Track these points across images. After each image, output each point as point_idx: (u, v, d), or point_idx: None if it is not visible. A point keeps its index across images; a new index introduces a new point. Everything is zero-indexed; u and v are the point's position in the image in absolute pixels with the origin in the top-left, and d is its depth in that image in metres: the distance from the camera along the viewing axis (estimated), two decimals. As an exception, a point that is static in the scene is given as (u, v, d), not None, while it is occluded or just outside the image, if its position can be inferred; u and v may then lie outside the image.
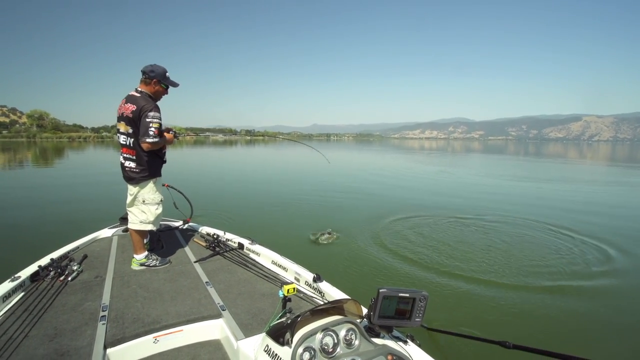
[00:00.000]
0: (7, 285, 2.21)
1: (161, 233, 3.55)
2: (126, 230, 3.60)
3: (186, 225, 3.88)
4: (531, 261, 4.74)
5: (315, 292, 2.41)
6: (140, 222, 2.65)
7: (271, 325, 1.60)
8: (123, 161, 2.61)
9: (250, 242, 3.21)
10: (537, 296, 3.72)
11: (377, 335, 1.69)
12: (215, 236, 3.41)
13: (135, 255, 2.72)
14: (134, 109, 2.46)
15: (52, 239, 5.12)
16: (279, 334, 1.47)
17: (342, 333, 1.50)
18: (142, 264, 2.72)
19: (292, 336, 1.42)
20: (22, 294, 2.28)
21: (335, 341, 1.47)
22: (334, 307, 1.65)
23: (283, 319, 1.58)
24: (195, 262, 2.92)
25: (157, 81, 2.55)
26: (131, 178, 2.60)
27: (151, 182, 2.64)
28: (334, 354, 1.45)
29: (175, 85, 2.65)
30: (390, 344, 1.63)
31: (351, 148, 54.44)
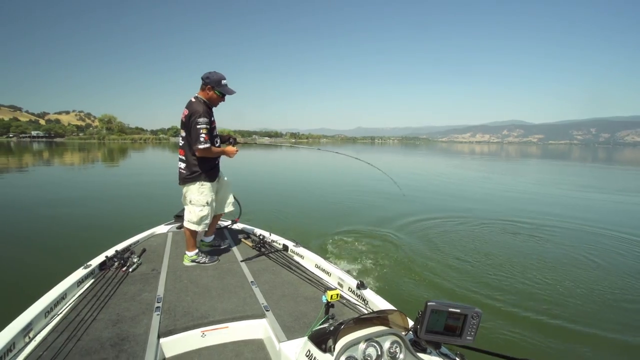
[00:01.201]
0: (81, 272, 2.48)
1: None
2: (180, 227, 3.80)
3: (234, 225, 4.00)
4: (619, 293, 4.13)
5: (359, 300, 2.35)
6: (187, 221, 2.80)
7: (313, 330, 1.60)
8: (178, 161, 2.77)
9: (294, 244, 3.23)
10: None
11: (424, 351, 1.61)
12: (261, 237, 3.48)
13: (187, 252, 2.89)
14: (186, 114, 2.58)
15: (117, 231, 5.67)
16: (321, 340, 1.46)
17: (386, 345, 1.46)
18: (192, 260, 2.87)
19: (334, 344, 1.40)
20: (92, 280, 2.53)
21: (379, 353, 1.43)
22: (379, 317, 1.60)
23: (325, 325, 1.57)
24: (241, 261, 3.00)
25: (211, 87, 2.60)
26: (180, 178, 2.75)
27: (197, 184, 2.73)
28: None
29: (230, 92, 2.66)
30: (438, 361, 1.55)
31: (397, 152, 53.20)
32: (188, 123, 2.58)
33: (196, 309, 2.18)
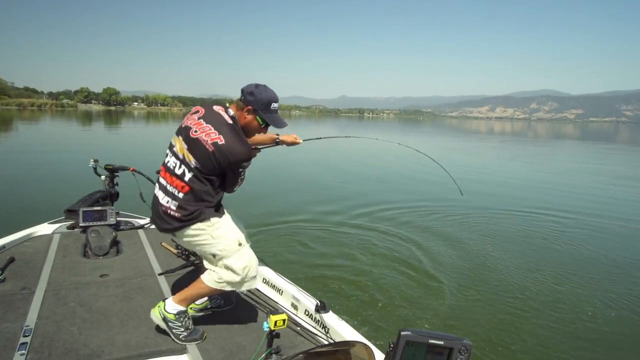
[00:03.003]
0: None
1: (120, 233, 3.60)
2: (72, 227, 3.69)
3: (153, 225, 3.92)
4: None
5: (317, 327, 2.37)
6: (219, 281, 2.24)
7: None
8: (159, 194, 2.26)
9: None
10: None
11: (397, 396, 1.60)
12: (190, 241, 3.42)
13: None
14: (219, 141, 2.09)
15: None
16: None
17: None
18: (202, 309, 2.54)
19: None
20: None
21: None
22: (337, 351, 1.59)
23: None
24: (160, 274, 2.95)
25: (253, 110, 2.20)
26: (172, 220, 2.21)
27: (207, 222, 2.25)
28: None
29: (281, 125, 2.29)
30: (414, 410, 1.54)
31: (385, 129, 53.94)
32: (220, 160, 2.11)
33: (84, 344, 2.09)
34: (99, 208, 3.62)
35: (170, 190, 2.18)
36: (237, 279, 2.15)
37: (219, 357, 2.08)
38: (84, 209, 3.55)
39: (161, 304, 2.25)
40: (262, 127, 2.26)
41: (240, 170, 2.20)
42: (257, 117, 2.21)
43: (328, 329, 2.29)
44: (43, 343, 2.08)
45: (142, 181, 3.96)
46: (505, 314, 4.13)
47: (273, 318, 1.85)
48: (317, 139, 3.28)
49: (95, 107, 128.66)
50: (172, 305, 2.22)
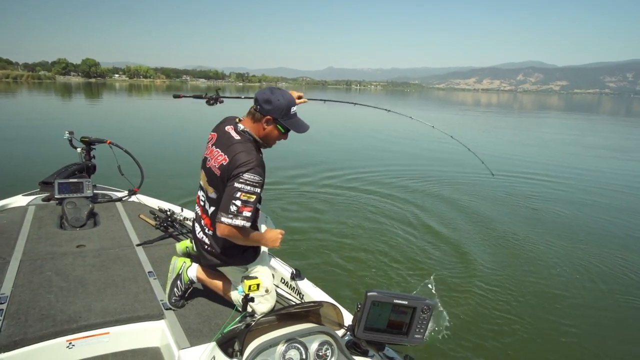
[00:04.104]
0: None
1: (97, 205, 3.58)
2: (47, 199, 3.64)
3: (132, 197, 3.92)
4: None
5: (293, 293, 2.43)
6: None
7: (225, 332, 1.61)
8: (196, 226, 2.24)
9: None
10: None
11: (364, 354, 1.68)
12: (169, 213, 3.43)
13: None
14: (224, 162, 1.98)
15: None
16: (230, 344, 1.47)
17: (313, 346, 1.49)
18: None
19: (242, 346, 1.41)
20: None
21: (304, 356, 1.47)
22: (308, 312, 1.63)
23: (241, 325, 1.57)
24: (138, 245, 2.96)
25: (273, 119, 2.03)
26: (209, 261, 2.20)
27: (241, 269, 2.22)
28: None
29: (302, 130, 2.10)
30: (380, 365, 1.61)
31: (368, 100, 53.65)
32: (225, 178, 1.99)
33: (61, 311, 2.10)
34: (75, 180, 3.58)
35: (203, 225, 2.18)
36: (252, 311, 2.02)
37: (196, 322, 2.11)
38: (60, 181, 3.50)
39: (188, 262, 2.29)
40: (283, 134, 2.10)
41: (238, 187, 1.90)
42: (278, 126, 2.05)
43: (303, 295, 2.35)
44: (19, 310, 2.08)
45: (121, 154, 3.92)
46: (476, 279, 4.28)
47: (247, 282, 1.88)
48: (321, 100, 3.36)
49: (75, 79, 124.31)
50: (193, 272, 2.27)
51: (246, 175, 1.90)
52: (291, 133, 2.12)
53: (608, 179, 9.52)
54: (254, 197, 1.93)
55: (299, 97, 2.31)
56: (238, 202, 1.90)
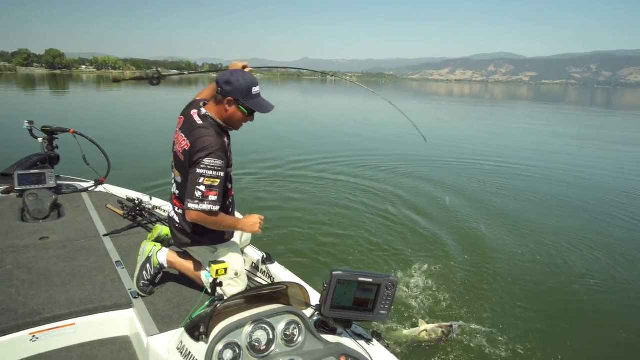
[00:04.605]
0: None
1: (62, 197, 3.48)
2: (7, 191, 3.53)
3: (99, 187, 3.84)
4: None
5: (263, 277, 2.44)
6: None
7: (193, 317, 1.60)
8: (170, 208, 2.27)
9: None
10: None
11: (333, 332, 1.71)
12: (137, 202, 3.38)
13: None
14: (186, 147, 1.99)
15: None
16: (197, 328, 1.48)
17: (280, 326, 1.51)
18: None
19: (207, 327, 1.42)
20: None
21: (271, 337, 1.48)
22: (275, 293, 1.64)
23: (209, 309, 1.57)
24: (105, 235, 2.91)
25: (234, 100, 2.02)
26: (180, 240, 2.22)
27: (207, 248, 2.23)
28: (267, 353, 1.46)
29: (266, 110, 2.08)
30: (347, 342, 1.65)
31: (343, 92, 54.01)
32: (187, 163, 2.00)
33: (23, 304, 2.05)
34: (36, 171, 3.46)
35: (173, 204, 2.22)
36: (222, 293, 2.05)
37: (165, 309, 2.11)
38: (20, 172, 3.38)
39: (159, 246, 2.30)
40: (247, 115, 2.08)
41: (200, 172, 1.92)
42: (241, 107, 2.03)
43: (274, 279, 2.37)
44: None
45: (85, 144, 3.81)
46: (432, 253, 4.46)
47: (214, 267, 1.88)
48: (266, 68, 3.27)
49: (38, 71, 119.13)
50: (163, 256, 2.27)
51: (207, 160, 1.91)
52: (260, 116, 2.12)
53: (569, 165, 9.93)
54: (218, 181, 1.95)
55: (244, 67, 2.27)
56: (202, 188, 1.92)
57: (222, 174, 1.96)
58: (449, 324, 3.05)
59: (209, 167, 1.92)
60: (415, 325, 3.18)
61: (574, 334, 3.32)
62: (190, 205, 1.93)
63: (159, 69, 2.62)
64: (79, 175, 4.06)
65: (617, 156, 11.62)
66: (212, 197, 1.93)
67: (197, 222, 2.00)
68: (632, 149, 13.13)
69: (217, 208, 1.96)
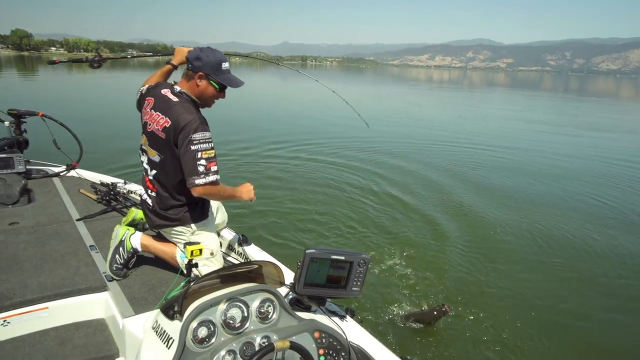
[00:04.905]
0: None
1: (32, 182, 3.39)
2: None
3: (71, 172, 3.75)
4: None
5: (240, 258, 2.46)
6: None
7: (168, 298, 1.61)
8: (142, 191, 2.28)
9: None
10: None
11: (308, 309, 1.74)
12: (111, 186, 3.33)
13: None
14: (167, 125, 2.02)
15: None
16: (172, 307, 1.49)
17: (254, 304, 1.52)
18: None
19: (181, 306, 1.43)
20: None
21: (245, 314, 1.50)
22: (249, 272, 1.66)
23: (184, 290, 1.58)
24: (78, 220, 2.86)
25: (205, 75, 2.07)
26: (154, 222, 2.23)
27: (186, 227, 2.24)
28: (241, 330, 1.48)
29: (236, 84, 2.15)
30: (321, 319, 1.68)
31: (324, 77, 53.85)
32: (174, 141, 2.03)
33: None
34: (3, 155, 3.34)
35: (146, 187, 2.23)
36: (198, 273, 2.08)
37: (141, 292, 2.11)
38: None
39: (132, 230, 2.31)
40: (218, 91, 2.14)
41: (195, 148, 1.97)
42: (211, 82, 2.10)
43: (250, 260, 2.38)
44: None
45: (56, 127, 3.71)
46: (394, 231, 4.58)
47: (189, 248, 1.88)
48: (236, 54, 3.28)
49: (4, 52, 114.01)
50: (137, 240, 2.27)
51: (197, 135, 1.97)
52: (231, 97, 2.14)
53: (543, 151, 10.27)
54: (213, 152, 2.04)
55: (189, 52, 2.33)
56: (203, 162, 1.99)
57: (212, 144, 2.04)
58: (438, 305, 3.13)
59: (201, 141, 1.98)
60: (390, 302, 3.27)
61: (550, 309, 3.52)
62: (196, 181, 1.98)
63: (99, 52, 2.61)
64: (49, 160, 3.95)
65: (581, 141, 12.16)
66: (214, 168, 2.02)
67: (203, 195, 2.07)
68: (598, 135, 13.65)
69: (219, 177, 2.06)
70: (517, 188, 6.77)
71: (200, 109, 2.16)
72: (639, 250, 4.70)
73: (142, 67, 45.75)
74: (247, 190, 2.26)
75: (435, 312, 3.06)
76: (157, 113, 2.08)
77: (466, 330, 3.14)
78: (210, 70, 2.07)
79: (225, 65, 2.10)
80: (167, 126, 2.01)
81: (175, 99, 2.08)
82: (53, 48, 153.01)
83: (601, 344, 3.20)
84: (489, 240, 4.66)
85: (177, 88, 2.12)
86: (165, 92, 2.12)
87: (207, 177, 1.99)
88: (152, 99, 2.15)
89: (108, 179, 3.56)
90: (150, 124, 2.11)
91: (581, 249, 4.64)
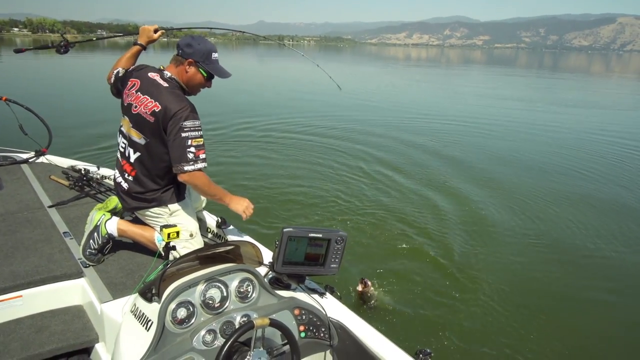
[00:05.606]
0: None
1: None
2: None
3: (41, 158, 3.62)
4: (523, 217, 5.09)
5: (218, 240, 2.45)
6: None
7: (146, 281, 1.60)
8: (117, 173, 2.25)
9: None
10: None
11: (287, 287, 1.76)
12: (84, 172, 3.24)
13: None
14: (156, 109, 2.02)
15: None
16: (150, 290, 1.49)
17: (233, 284, 1.53)
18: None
19: (158, 288, 1.43)
20: None
21: (225, 294, 1.51)
22: (227, 253, 1.66)
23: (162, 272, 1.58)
24: (50, 206, 2.79)
25: (194, 62, 2.11)
26: (127, 201, 2.22)
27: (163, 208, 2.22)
28: (221, 310, 1.49)
29: (224, 75, 2.20)
30: (301, 296, 1.71)
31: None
32: (163, 126, 2.03)
33: None
34: None
35: (123, 170, 2.21)
36: (177, 255, 2.08)
37: (118, 276, 2.09)
38: None
39: (108, 215, 2.29)
40: (206, 79, 2.18)
41: (186, 135, 2.00)
42: (200, 70, 2.13)
43: (228, 241, 2.37)
44: None
45: (21, 112, 3.55)
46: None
47: (166, 231, 1.87)
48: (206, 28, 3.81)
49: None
50: (113, 225, 2.24)
51: (187, 123, 2.01)
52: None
53: (519, 124, 10.61)
54: (202, 140, 2.08)
55: (155, 30, 2.39)
56: (192, 149, 2.03)
57: (202, 132, 2.08)
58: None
59: (192, 128, 2.02)
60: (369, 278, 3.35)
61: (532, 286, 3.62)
62: (186, 167, 2.02)
63: (66, 37, 2.54)
64: (16, 147, 3.81)
65: (556, 117, 12.44)
66: (202, 156, 2.06)
67: (189, 182, 2.10)
68: (570, 110, 14.00)
69: (206, 165, 2.10)
70: (491, 160, 7.02)
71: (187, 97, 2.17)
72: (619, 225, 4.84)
73: (112, 49, 44.10)
74: (241, 204, 2.23)
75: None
76: (145, 96, 2.07)
77: (443, 306, 3.25)
78: (200, 58, 2.10)
79: (215, 55, 2.15)
80: (157, 110, 2.02)
81: (165, 84, 2.10)
82: (15, 29, 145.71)
83: (590, 324, 3.24)
84: (468, 215, 4.75)
85: (167, 74, 2.13)
86: (154, 75, 2.13)
87: (195, 164, 2.03)
88: (138, 80, 2.14)
89: (80, 165, 3.46)
90: (136, 107, 2.09)
91: (562, 223, 4.76)
